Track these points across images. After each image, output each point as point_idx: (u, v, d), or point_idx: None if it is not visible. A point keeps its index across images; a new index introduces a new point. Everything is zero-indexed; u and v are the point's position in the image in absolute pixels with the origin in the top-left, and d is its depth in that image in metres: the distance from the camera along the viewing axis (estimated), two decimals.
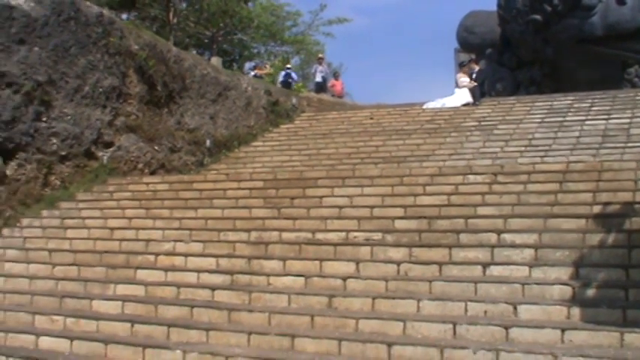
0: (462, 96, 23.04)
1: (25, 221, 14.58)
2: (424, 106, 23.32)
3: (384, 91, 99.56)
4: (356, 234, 11.53)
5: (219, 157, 20.87)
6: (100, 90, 17.26)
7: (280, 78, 31.63)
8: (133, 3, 33.35)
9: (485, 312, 8.65)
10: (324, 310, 9.35)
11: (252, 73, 30.80)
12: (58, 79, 16.16)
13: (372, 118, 22.88)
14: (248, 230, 12.46)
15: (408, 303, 9.09)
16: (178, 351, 8.69)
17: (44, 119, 15.63)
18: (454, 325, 8.29)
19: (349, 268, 10.42)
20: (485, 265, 9.81)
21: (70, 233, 13.74)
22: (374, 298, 9.32)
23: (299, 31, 44.00)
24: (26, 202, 15.01)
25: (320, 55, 35.84)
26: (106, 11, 18.47)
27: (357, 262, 10.48)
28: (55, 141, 15.83)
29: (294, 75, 32.98)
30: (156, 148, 18.78)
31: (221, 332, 9.07)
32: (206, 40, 39.14)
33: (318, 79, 32.83)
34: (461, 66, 26.09)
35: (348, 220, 12.21)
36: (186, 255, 11.83)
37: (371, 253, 10.82)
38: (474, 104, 22.45)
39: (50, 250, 13.00)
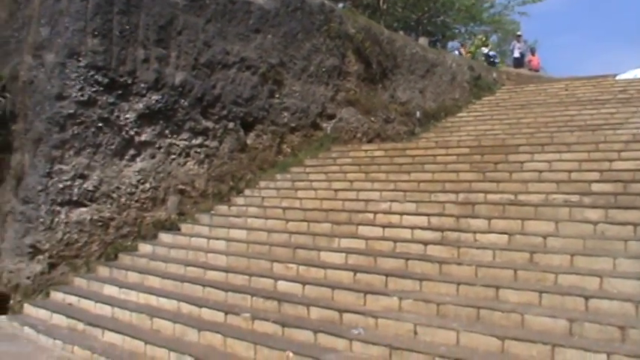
0: None
1: (262, 183, 15.21)
2: (617, 78, 22.25)
3: (577, 65, 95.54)
4: (555, 196, 11.19)
5: (428, 126, 20.74)
6: (323, 69, 17.62)
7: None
8: None
9: None
10: (525, 264, 9.17)
11: (456, 52, 30.49)
12: (288, 62, 16.65)
13: (566, 90, 22.04)
14: (456, 192, 12.35)
15: (605, 260, 8.74)
16: (395, 298, 8.79)
17: (277, 96, 16.20)
18: None
19: (549, 227, 10.14)
20: None
21: (300, 194, 14.18)
22: (572, 255, 9.03)
23: (496, 11, 42.88)
24: (263, 167, 15.65)
25: (518, 33, 34.97)
26: (326, 1, 18.74)
27: (556, 221, 10.17)
28: (286, 114, 16.39)
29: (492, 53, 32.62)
30: (372, 119, 18.97)
31: (432, 282, 9.09)
32: (412, 23, 38.87)
33: (516, 54, 32.09)
34: None
35: (547, 183, 11.86)
36: (401, 213, 11.88)
37: (569, 213, 10.46)
38: None
39: (284, 208, 13.49)
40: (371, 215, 12.15)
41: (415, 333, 7.99)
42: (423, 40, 25.65)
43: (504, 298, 8.37)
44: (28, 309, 11.74)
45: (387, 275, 9.51)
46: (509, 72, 28.08)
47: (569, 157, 12.95)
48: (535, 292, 8.25)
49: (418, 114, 20.75)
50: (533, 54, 33.63)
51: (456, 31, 43.75)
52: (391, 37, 20.93)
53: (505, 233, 10.16)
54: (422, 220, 11.47)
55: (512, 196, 11.64)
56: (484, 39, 37.49)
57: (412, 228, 11.15)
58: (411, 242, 10.64)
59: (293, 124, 16.59)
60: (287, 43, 16.65)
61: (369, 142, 18.39)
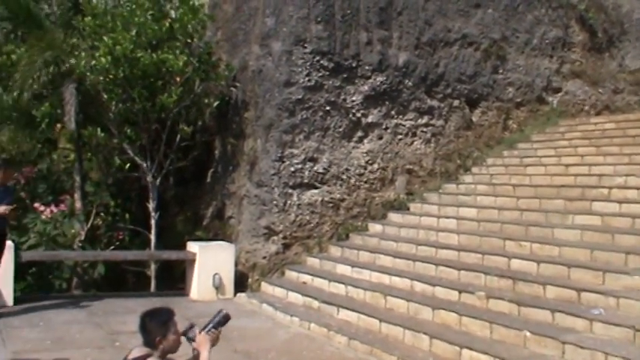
0: None
1: (489, 160, 14.88)
2: None
3: None
4: None
5: None
6: (547, 41, 16.91)
7: None
8: None
9: None
10: None
11: None
12: (510, 35, 16.12)
13: None
14: None
15: None
16: (637, 277, 8.25)
17: (500, 71, 15.76)
18: None
19: None
20: None
21: (529, 170, 13.70)
22: None
23: None
24: (489, 144, 15.34)
25: None
26: None
27: None
28: (510, 90, 15.90)
29: None
30: (600, 90, 18.00)
31: None
32: None
33: None
34: None
35: None
36: (638, 188, 11.12)
37: None
38: None
39: (513, 185, 13.07)
40: (605, 191, 11.49)
41: None
42: None
43: None
44: (265, 287, 12.28)
45: (626, 253, 8.93)
46: None
47: None
48: None
49: None
50: None
51: None
52: (616, 3, 19.69)
53: None
54: None
55: None
56: None
57: None
58: None
59: (518, 100, 16.06)
60: (508, 17, 16.11)
61: (598, 114, 17.39)
